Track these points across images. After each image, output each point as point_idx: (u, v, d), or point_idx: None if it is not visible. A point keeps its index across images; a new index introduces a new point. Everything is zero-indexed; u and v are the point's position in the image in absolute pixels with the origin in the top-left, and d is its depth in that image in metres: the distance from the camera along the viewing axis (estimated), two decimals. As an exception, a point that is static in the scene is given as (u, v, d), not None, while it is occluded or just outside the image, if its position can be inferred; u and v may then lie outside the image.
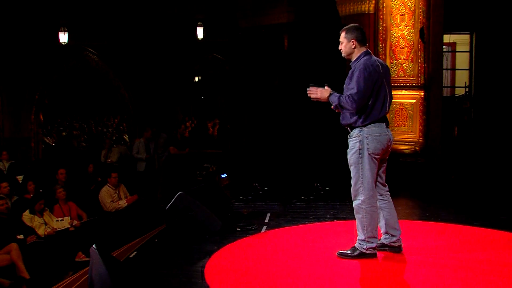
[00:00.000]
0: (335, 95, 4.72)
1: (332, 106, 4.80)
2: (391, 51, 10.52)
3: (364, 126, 4.66)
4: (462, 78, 13.78)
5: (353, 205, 4.80)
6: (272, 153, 12.86)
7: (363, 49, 4.78)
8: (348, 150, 4.80)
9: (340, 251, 4.88)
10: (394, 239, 4.88)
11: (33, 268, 6.84)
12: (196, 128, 19.26)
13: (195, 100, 24.45)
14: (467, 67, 13.50)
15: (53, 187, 8.77)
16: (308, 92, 4.85)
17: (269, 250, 5.40)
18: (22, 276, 6.69)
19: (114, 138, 17.95)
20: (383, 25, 10.65)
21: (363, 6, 11.46)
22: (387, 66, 4.93)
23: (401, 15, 10.39)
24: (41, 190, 9.20)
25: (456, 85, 13.96)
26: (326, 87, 4.82)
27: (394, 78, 10.43)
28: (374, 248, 4.76)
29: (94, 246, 4.20)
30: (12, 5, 14.78)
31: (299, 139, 12.90)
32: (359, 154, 4.67)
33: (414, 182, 9.42)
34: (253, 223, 6.68)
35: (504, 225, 6.26)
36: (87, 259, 6.13)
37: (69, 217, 8.17)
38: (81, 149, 17.33)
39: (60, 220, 7.96)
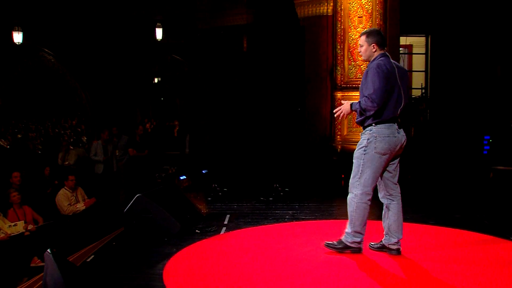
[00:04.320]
0: (356, 103, 4.75)
1: (357, 114, 4.83)
2: (349, 52, 10.65)
3: (375, 125, 4.72)
4: (418, 79, 14.07)
5: (347, 197, 4.88)
6: (232, 154, 12.85)
7: (381, 52, 4.81)
8: (357, 145, 4.89)
9: (327, 242, 5.04)
10: (393, 241, 4.91)
11: (-14, 274, 6.66)
12: (156, 129, 19.07)
13: (154, 102, 24.24)
14: (423, 69, 13.80)
15: (7, 191, 8.54)
16: (336, 115, 4.93)
17: (228, 252, 5.39)
18: (-26, 283, 6.50)
19: (71, 140, 17.62)
20: (341, 27, 10.78)
21: (321, 8, 11.60)
22: (404, 69, 4.94)
23: (358, 17, 10.54)
24: (-6, 194, 8.95)
25: (413, 87, 14.23)
26: (344, 101, 4.89)
27: (352, 79, 10.59)
28: (358, 243, 4.88)
29: (48, 250, 4.11)
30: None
31: (258, 140, 12.93)
32: (364, 150, 4.74)
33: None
34: (212, 224, 6.67)
35: (458, 223, 6.43)
36: (43, 264, 6.00)
37: (23, 221, 7.96)
38: (37, 151, 16.94)
39: (13, 225, 7.74)
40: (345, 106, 4.84)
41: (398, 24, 11.02)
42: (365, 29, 5.10)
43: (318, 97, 11.85)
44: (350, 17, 10.64)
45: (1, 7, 14.66)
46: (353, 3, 10.56)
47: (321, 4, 11.57)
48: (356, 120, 4.98)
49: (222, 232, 6.30)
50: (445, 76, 12.99)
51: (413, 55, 14.70)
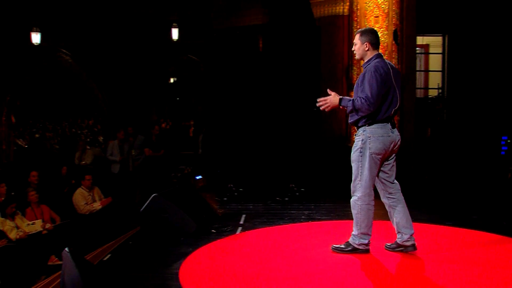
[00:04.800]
0: (347, 100, 4.77)
1: (347, 111, 4.85)
2: (365, 52, 10.58)
3: (368, 126, 4.75)
4: (435, 79, 13.96)
5: (351, 200, 4.89)
6: (247, 154, 12.86)
7: (375, 52, 4.86)
8: (352, 147, 4.90)
9: (334, 245, 5.02)
10: (406, 237, 4.88)
11: (5, 273, 6.72)
12: (172, 129, 19.16)
13: (170, 102, 24.35)
14: (440, 69, 13.69)
15: (25, 190, 8.63)
16: (318, 104, 4.88)
17: (244, 252, 5.40)
18: (-7, 281, 6.57)
19: (88, 139, 17.76)
20: (357, 26, 10.69)
21: (337, 8, 11.56)
22: (397, 69, 4.96)
23: (375, 17, 10.46)
24: (12, 193, 9.05)
25: (429, 87, 14.14)
26: (332, 93, 4.88)
27: (368, 79, 10.51)
28: (366, 245, 4.88)
29: (66, 249, 4.14)
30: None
31: (274, 140, 12.92)
32: (360, 152, 4.77)
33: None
34: (228, 224, 6.67)
35: (475, 225, 6.37)
36: (60, 262, 6.04)
37: (41, 220, 8.04)
38: (54, 151, 17.11)
39: (31, 224, 7.82)
40: (333, 99, 4.82)
41: (415, 24, 10.93)
42: (360, 28, 5.10)
43: (333, 98, 11.78)
44: (366, 17, 10.56)
45: (20, 8, 14.81)
46: (369, 3, 10.49)
47: (337, 4, 11.54)
48: (349, 121, 5.01)
49: (237, 232, 6.30)
50: (462, 76, 12.88)
51: (430, 55, 14.59)
